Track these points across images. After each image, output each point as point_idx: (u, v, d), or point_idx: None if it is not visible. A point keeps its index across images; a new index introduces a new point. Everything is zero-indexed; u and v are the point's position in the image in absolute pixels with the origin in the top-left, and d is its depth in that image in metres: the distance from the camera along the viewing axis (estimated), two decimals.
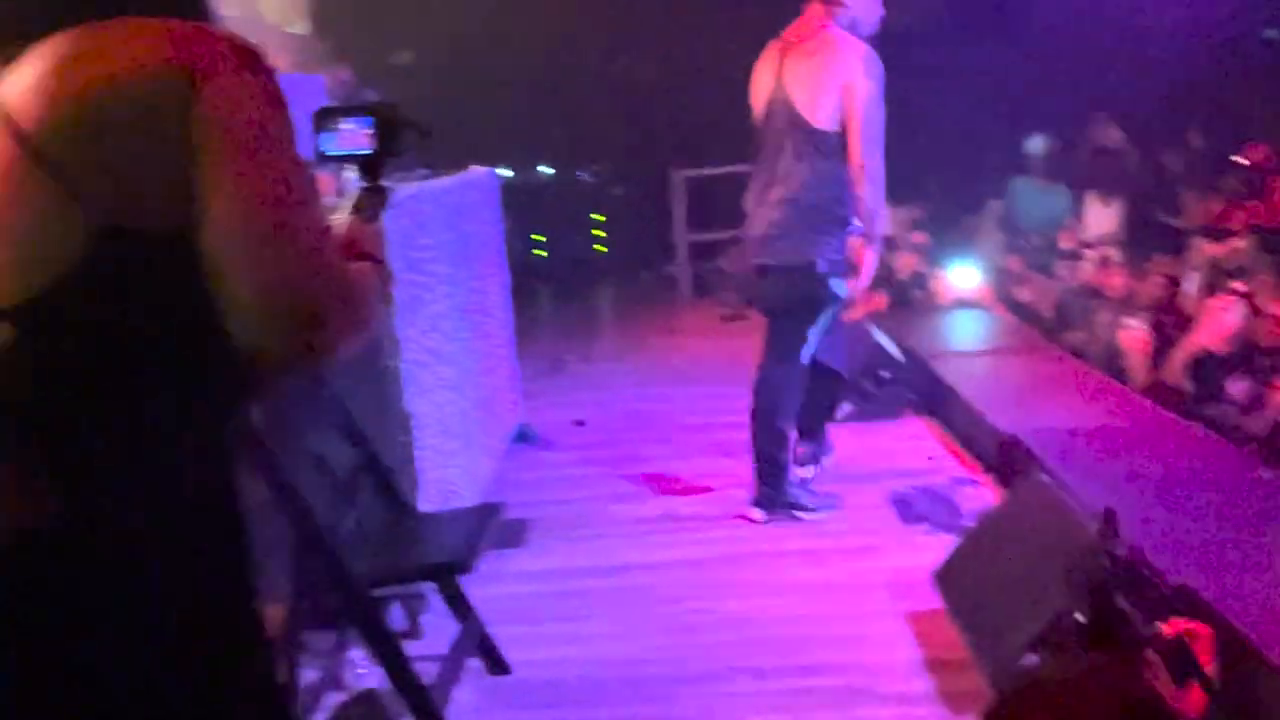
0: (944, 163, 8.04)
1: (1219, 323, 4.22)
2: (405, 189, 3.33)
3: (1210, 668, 1.83)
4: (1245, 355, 4.21)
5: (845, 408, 4.83)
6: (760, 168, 3.67)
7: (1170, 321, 5.06)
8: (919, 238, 7.54)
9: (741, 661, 2.86)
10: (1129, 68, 8.50)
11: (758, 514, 3.78)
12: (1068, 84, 8.20)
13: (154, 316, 1.02)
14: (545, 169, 10.20)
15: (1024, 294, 6.78)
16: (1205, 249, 5.59)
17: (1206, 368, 4.14)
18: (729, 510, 3.92)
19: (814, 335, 3.67)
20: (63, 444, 0.99)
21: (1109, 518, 2.34)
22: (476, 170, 4.51)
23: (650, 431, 4.98)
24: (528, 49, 9.35)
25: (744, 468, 3.91)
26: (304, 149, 1.18)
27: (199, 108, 1.02)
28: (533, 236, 9.79)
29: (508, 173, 9.55)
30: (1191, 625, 1.91)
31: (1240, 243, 5.67)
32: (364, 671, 2.72)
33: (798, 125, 3.51)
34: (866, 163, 3.46)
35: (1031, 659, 2.31)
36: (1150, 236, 6.97)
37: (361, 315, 1.11)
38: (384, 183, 1.48)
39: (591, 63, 9.53)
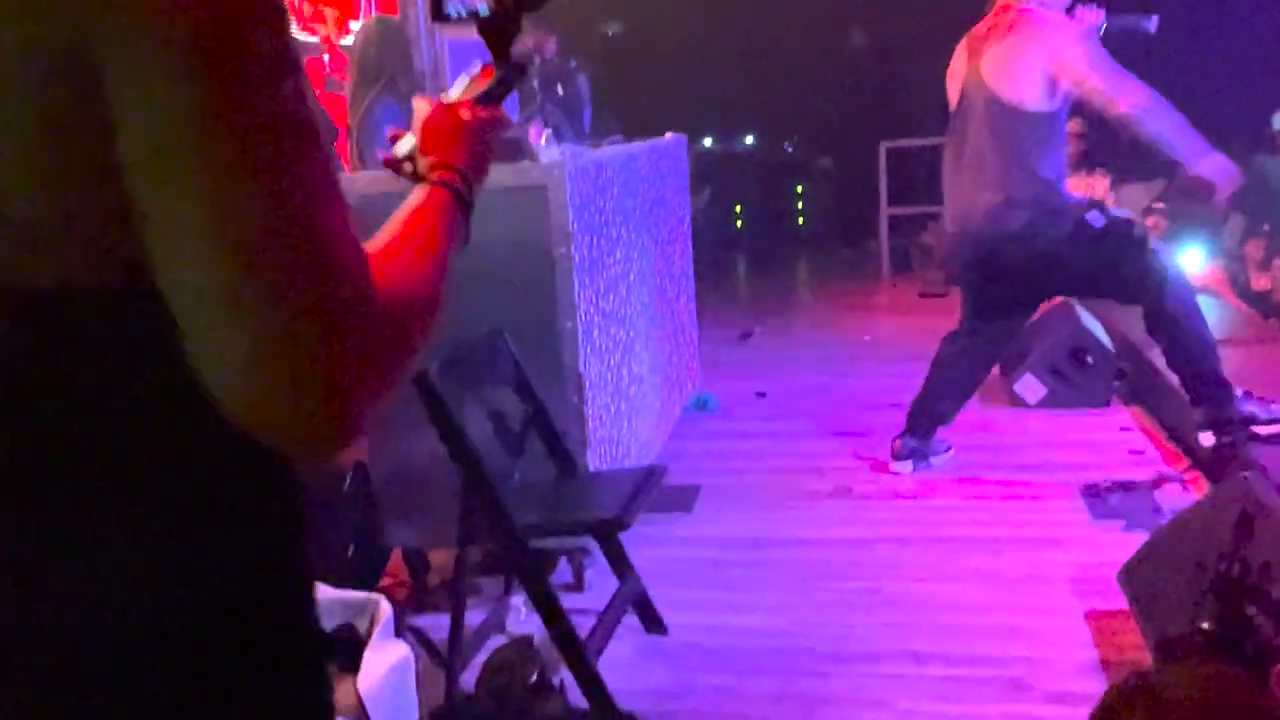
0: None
1: None
2: (589, 154, 3.39)
3: None
4: None
5: (1041, 392, 4.61)
6: (960, 156, 3.60)
7: None
8: (1151, 219, 7.01)
9: (901, 645, 2.78)
10: None
11: (1208, 439, 3.59)
12: None
13: (123, 394, 0.67)
14: (749, 139, 10.13)
15: (1261, 282, 6.20)
16: None
17: None
18: (905, 491, 3.83)
19: (1128, 260, 3.42)
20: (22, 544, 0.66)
21: (1242, 522, 2.14)
22: (666, 138, 4.53)
23: (832, 407, 4.88)
24: (737, 20, 9.30)
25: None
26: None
27: (115, 24, 0.60)
28: (734, 208, 9.77)
29: (708, 142, 9.55)
30: None
31: None
32: (524, 618, 2.82)
33: (1002, 111, 3.39)
34: (1129, 111, 3.22)
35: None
36: None
37: (411, 354, 0.73)
38: (516, 56, 1.08)
39: (800, 34, 9.35)
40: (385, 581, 3.19)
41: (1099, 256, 3.43)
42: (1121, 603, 2.84)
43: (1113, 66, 3.25)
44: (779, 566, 3.31)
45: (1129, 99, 3.21)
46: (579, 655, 2.48)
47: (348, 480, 2.96)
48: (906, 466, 3.94)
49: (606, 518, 2.56)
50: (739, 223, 9.76)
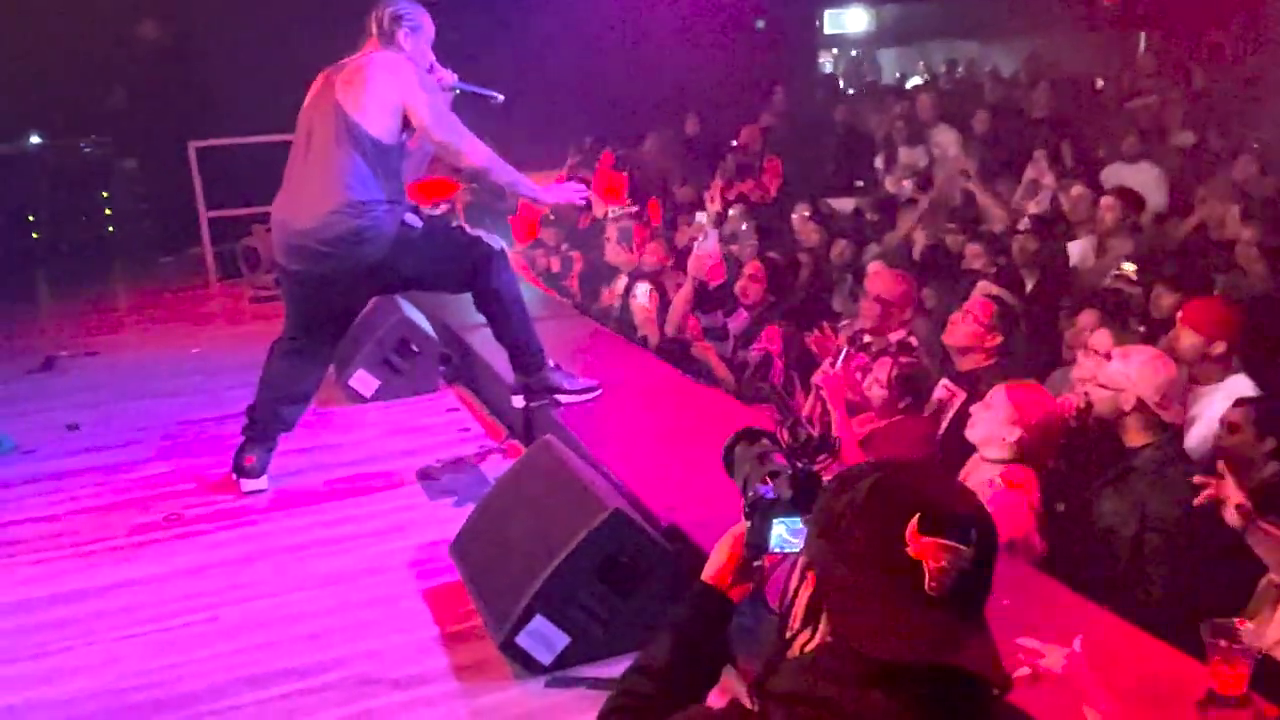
0: None
1: (701, 258, 4.66)
2: None
3: None
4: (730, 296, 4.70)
5: (374, 385, 4.70)
6: (305, 165, 3.55)
7: (675, 286, 5.45)
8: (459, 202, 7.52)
9: (240, 672, 2.62)
10: (633, 65, 9.15)
11: (519, 402, 3.90)
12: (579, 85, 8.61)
13: None
14: (36, 138, 8.89)
15: (554, 266, 7.02)
16: (701, 219, 6.14)
17: (701, 296, 4.53)
18: (246, 506, 3.63)
19: (456, 249, 3.66)
20: None
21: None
22: None
23: (160, 429, 4.47)
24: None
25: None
26: None
27: None
28: (27, 218, 8.52)
29: None
30: None
31: (733, 212, 6.28)
32: None
33: (347, 131, 3.43)
34: (477, 164, 3.54)
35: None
36: (663, 212, 7.51)
37: None
38: None
39: (86, 22, 8.42)
40: None
41: (427, 253, 3.59)
42: (456, 575, 2.99)
43: (455, 123, 3.53)
44: (98, 619, 2.92)
45: (475, 155, 3.53)
46: None
47: None
48: (260, 483, 3.74)
49: None
50: (35, 234, 8.54)
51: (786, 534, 1.47)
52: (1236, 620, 2.00)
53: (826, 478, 1.52)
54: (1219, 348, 3.71)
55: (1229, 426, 3.45)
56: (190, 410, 4.70)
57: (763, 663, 1.25)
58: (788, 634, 1.23)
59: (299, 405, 3.82)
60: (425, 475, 3.83)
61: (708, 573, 1.54)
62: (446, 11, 3.79)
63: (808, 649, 1.19)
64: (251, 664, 2.65)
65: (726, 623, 1.53)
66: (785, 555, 1.48)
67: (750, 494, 1.54)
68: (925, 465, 1.26)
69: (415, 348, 4.79)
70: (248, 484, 3.73)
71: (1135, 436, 3.12)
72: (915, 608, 1.10)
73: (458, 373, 4.96)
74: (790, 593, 1.25)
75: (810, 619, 1.20)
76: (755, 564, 1.51)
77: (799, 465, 1.52)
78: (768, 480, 1.54)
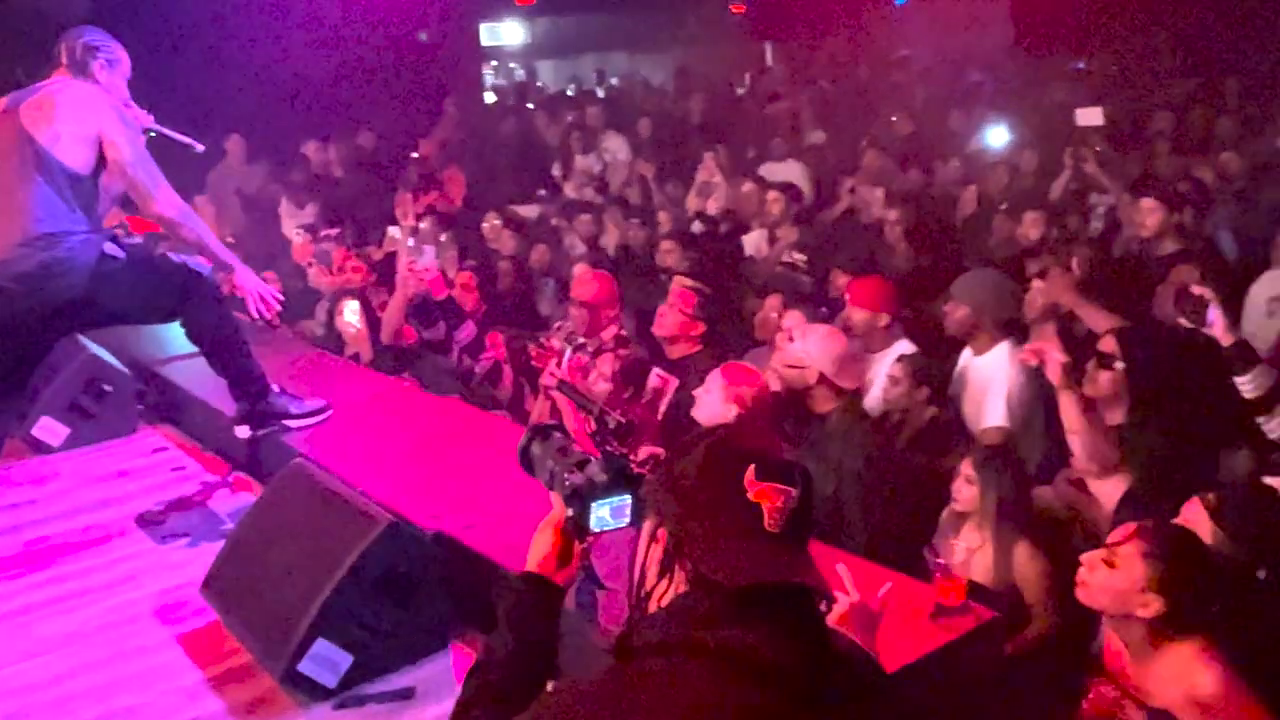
0: None
1: (418, 272, 4.71)
2: None
3: None
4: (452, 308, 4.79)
5: (63, 433, 4.30)
6: None
7: (382, 302, 5.43)
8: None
9: None
10: (299, 80, 8.86)
11: (245, 432, 3.76)
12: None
13: None
14: None
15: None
16: (395, 233, 6.14)
17: (425, 310, 4.58)
18: None
19: (162, 277, 3.50)
20: None
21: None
22: None
23: None
24: None
25: None
26: None
27: None
28: None
29: None
30: None
31: (425, 225, 6.32)
32: None
33: (39, 161, 3.23)
34: (166, 213, 3.39)
35: None
36: (357, 229, 7.38)
37: None
38: None
39: None
40: None
41: (132, 284, 3.40)
42: (211, 615, 2.87)
43: (153, 167, 3.38)
44: None
45: (168, 204, 3.38)
46: None
47: None
48: None
49: None
50: None
51: (607, 515, 1.60)
52: (949, 543, 2.40)
53: (632, 457, 1.69)
54: (883, 319, 4.30)
55: (890, 380, 4.04)
56: None
57: (624, 625, 1.39)
58: (643, 593, 1.38)
59: None
60: (147, 521, 3.59)
61: (531, 563, 1.63)
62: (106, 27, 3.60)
63: (664, 601, 1.34)
64: None
65: (558, 607, 1.64)
66: (604, 534, 1.62)
67: (566, 484, 1.65)
68: (745, 427, 1.46)
69: (107, 387, 4.41)
70: None
71: (822, 404, 3.54)
72: (759, 540, 1.29)
73: (158, 410, 4.64)
74: (641, 557, 1.40)
75: (665, 572, 1.34)
76: (582, 546, 1.63)
77: (608, 449, 1.67)
78: (575, 470, 1.67)
